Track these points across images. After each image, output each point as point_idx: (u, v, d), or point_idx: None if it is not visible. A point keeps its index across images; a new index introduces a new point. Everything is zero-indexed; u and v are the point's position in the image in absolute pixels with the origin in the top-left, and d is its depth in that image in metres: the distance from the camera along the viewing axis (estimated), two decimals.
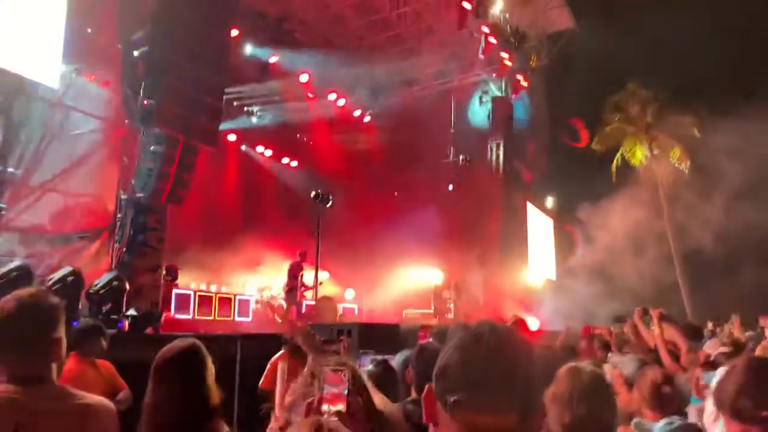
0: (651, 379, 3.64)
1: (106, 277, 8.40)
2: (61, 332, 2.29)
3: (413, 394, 3.46)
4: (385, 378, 3.82)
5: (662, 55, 26.30)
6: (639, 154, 27.70)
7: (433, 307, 19.01)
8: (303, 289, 13.74)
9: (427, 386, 1.39)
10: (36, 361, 2.20)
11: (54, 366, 2.27)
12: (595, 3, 20.82)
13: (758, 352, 5.13)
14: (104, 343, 5.20)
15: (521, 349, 1.34)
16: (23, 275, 7.11)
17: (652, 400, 3.60)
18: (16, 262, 7.56)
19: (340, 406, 1.82)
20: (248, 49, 17.62)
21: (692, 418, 3.86)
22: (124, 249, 11.05)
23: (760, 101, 19.61)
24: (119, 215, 11.10)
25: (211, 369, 2.76)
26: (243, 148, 20.57)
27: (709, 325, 11.84)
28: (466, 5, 17.25)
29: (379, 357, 4.14)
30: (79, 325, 5.25)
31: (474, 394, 1.27)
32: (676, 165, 27.09)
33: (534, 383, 1.34)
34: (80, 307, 7.94)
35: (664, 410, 3.60)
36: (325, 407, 1.83)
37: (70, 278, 7.50)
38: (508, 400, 1.27)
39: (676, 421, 2.55)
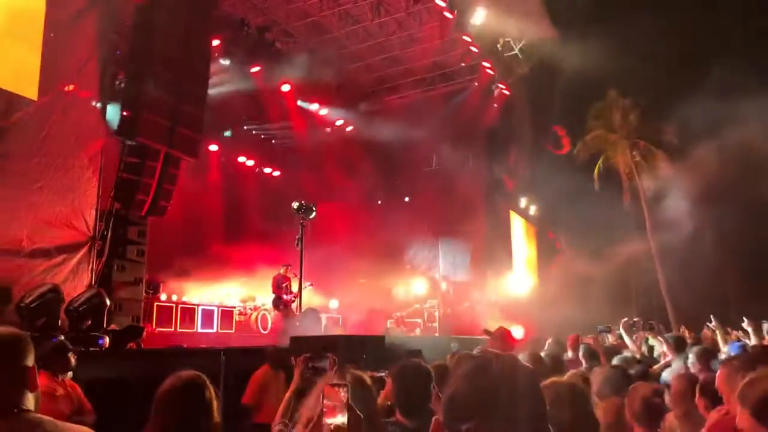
0: (641, 394, 3.60)
1: (86, 293, 8.24)
2: (32, 361, 2.22)
3: (397, 415, 3.38)
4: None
5: (643, 63, 26.58)
6: (621, 161, 27.95)
7: (417, 317, 18.98)
8: (288, 300, 13.61)
9: (434, 419, 1.43)
10: (8, 391, 2.13)
11: (30, 396, 2.18)
12: (577, 12, 20.97)
13: None
14: (72, 360, 5.16)
15: (528, 376, 1.37)
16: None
17: (643, 415, 3.56)
18: None
19: (340, 418, 1.88)
20: (229, 58, 17.50)
21: None
22: (104, 263, 10.88)
23: (739, 105, 19.88)
24: (99, 228, 10.92)
25: (213, 404, 2.72)
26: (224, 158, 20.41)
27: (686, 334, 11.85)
28: (448, 14, 17.28)
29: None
30: (44, 344, 5.19)
31: (487, 421, 1.29)
32: (658, 171, 27.38)
33: (543, 409, 1.37)
34: (60, 323, 7.78)
35: (654, 424, 3.57)
36: (326, 421, 1.92)
37: (50, 295, 7.36)
38: (518, 426, 1.30)
39: None
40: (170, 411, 2.66)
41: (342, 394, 1.92)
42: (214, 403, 2.71)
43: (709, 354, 5.34)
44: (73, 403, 5.07)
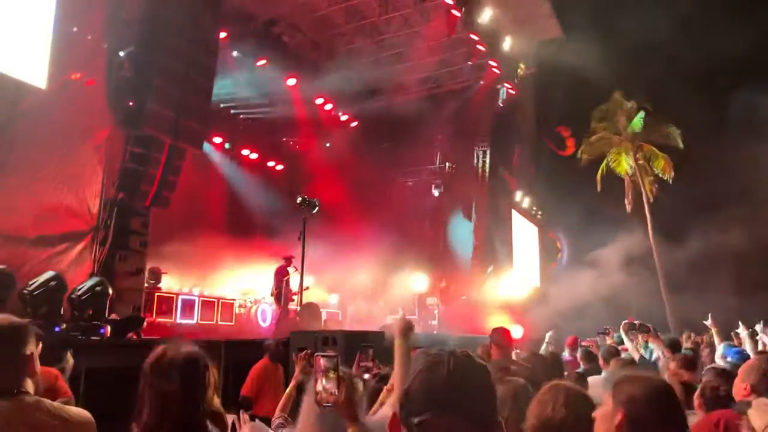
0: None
1: (89, 282, 8.28)
2: (32, 349, 2.36)
3: None
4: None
5: (649, 66, 26.55)
6: (624, 164, 27.92)
7: (416, 314, 19.00)
8: (289, 293, 13.63)
9: (392, 413, 1.46)
10: (9, 375, 2.28)
11: (29, 381, 2.34)
12: (584, 13, 20.94)
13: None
14: (68, 358, 5.06)
15: (479, 372, 1.43)
16: (4, 280, 7.00)
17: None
18: None
19: (326, 383, 2.02)
20: (236, 51, 17.50)
21: None
22: (107, 252, 10.92)
23: (745, 113, 19.83)
24: (103, 217, 10.96)
25: (214, 377, 2.56)
26: (228, 149, 20.42)
27: (683, 338, 11.80)
28: (455, 12, 17.27)
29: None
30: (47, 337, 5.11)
31: (436, 415, 1.34)
32: (661, 175, 27.36)
33: (493, 404, 1.41)
34: (62, 311, 7.82)
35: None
36: (320, 386, 2.03)
37: (53, 283, 7.39)
38: (469, 420, 1.34)
39: None
40: (170, 377, 2.43)
41: (325, 361, 2.03)
42: (213, 379, 2.54)
43: (689, 359, 5.29)
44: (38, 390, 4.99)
